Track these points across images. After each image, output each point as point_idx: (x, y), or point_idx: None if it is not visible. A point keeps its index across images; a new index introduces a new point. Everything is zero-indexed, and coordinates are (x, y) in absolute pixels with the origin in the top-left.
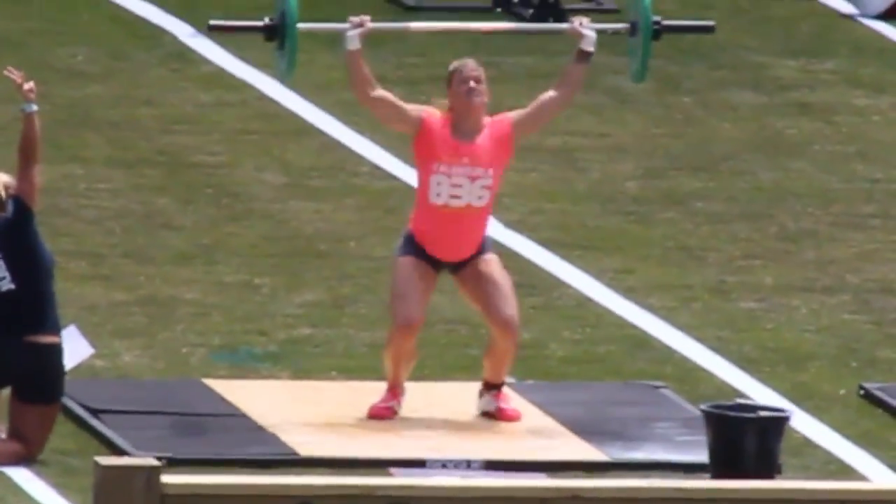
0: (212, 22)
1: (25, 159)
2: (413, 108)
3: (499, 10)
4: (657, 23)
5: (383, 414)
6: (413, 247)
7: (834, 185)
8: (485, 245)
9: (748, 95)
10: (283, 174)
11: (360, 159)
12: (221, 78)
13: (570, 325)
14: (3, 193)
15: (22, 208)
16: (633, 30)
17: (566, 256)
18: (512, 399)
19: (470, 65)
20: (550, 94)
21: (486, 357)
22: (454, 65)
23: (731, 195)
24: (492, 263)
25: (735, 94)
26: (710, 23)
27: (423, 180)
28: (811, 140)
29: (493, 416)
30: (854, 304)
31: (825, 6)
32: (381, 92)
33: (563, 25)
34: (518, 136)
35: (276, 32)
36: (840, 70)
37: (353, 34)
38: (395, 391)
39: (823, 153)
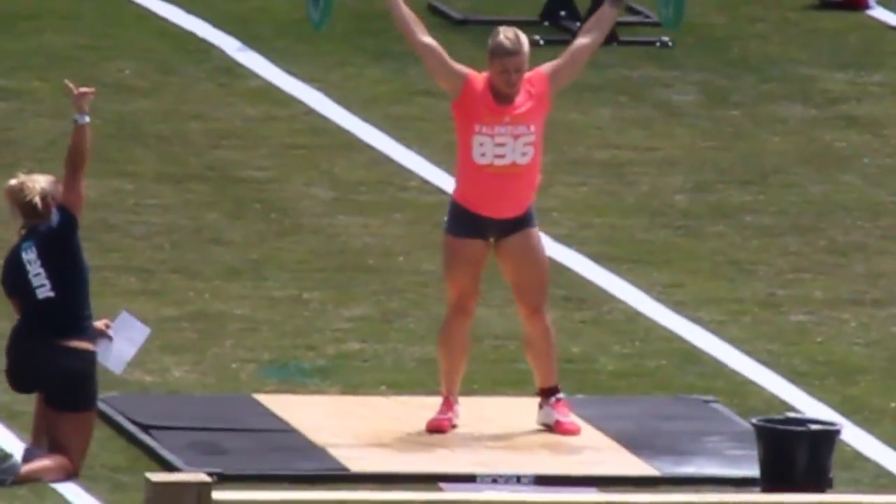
0: None
1: (73, 169)
2: (459, 67)
3: (546, 23)
4: None
5: (441, 426)
6: (460, 223)
7: (883, 198)
8: (529, 214)
9: (797, 108)
10: (331, 189)
11: (408, 174)
12: (269, 92)
13: (620, 340)
14: (40, 203)
15: (67, 218)
16: None
17: (615, 270)
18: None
19: (512, 55)
20: (582, 41)
21: (527, 354)
22: (498, 44)
23: (781, 208)
24: (531, 242)
25: (784, 107)
26: None
27: (466, 141)
28: (860, 153)
29: (552, 428)
30: None
31: (874, 19)
32: (430, 40)
33: None
34: (555, 88)
35: None
36: (889, 82)
37: None
38: (449, 401)
39: (872, 166)
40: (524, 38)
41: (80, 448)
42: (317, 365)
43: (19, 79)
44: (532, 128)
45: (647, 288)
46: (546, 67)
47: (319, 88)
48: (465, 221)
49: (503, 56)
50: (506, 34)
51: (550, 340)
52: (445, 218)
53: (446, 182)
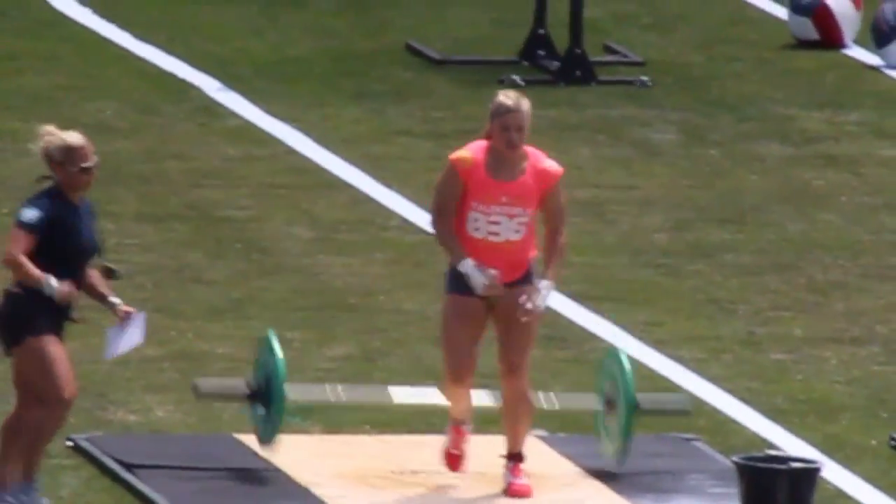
0: (199, 390)
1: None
2: (451, 178)
3: (525, 63)
4: (637, 405)
5: (455, 465)
6: (460, 281)
7: (862, 237)
8: (529, 274)
9: (775, 147)
10: (312, 228)
11: (389, 213)
12: (249, 132)
13: None
14: (42, 160)
15: (46, 214)
16: (610, 407)
17: (596, 309)
18: (530, 475)
19: (513, 112)
20: (548, 225)
21: (502, 417)
22: (499, 103)
23: (760, 247)
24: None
25: (762, 145)
26: (688, 408)
27: (461, 212)
28: (838, 191)
29: (505, 491)
30: (884, 355)
31: (851, 58)
32: (451, 214)
33: None
34: (542, 201)
35: (262, 399)
36: (866, 121)
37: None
38: (458, 430)
39: (851, 204)
40: (525, 101)
41: (43, 375)
42: (299, 404)
43: None
44: (528, 211)
45: (628, 326)
46: (556, 181)
47: (299, 128)
48: (465, 282)
49: (504, 114)
50: (506, 94)
51: (528, 405)
52: (446, 279)
53: (427, 221)
